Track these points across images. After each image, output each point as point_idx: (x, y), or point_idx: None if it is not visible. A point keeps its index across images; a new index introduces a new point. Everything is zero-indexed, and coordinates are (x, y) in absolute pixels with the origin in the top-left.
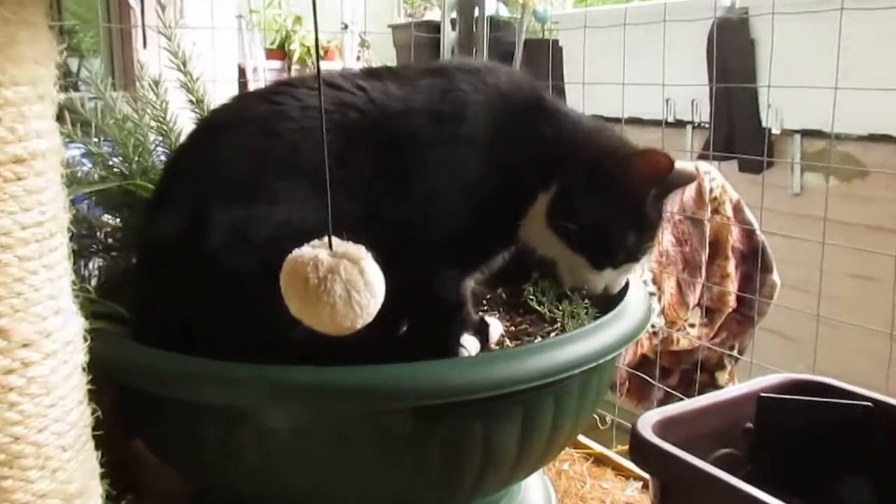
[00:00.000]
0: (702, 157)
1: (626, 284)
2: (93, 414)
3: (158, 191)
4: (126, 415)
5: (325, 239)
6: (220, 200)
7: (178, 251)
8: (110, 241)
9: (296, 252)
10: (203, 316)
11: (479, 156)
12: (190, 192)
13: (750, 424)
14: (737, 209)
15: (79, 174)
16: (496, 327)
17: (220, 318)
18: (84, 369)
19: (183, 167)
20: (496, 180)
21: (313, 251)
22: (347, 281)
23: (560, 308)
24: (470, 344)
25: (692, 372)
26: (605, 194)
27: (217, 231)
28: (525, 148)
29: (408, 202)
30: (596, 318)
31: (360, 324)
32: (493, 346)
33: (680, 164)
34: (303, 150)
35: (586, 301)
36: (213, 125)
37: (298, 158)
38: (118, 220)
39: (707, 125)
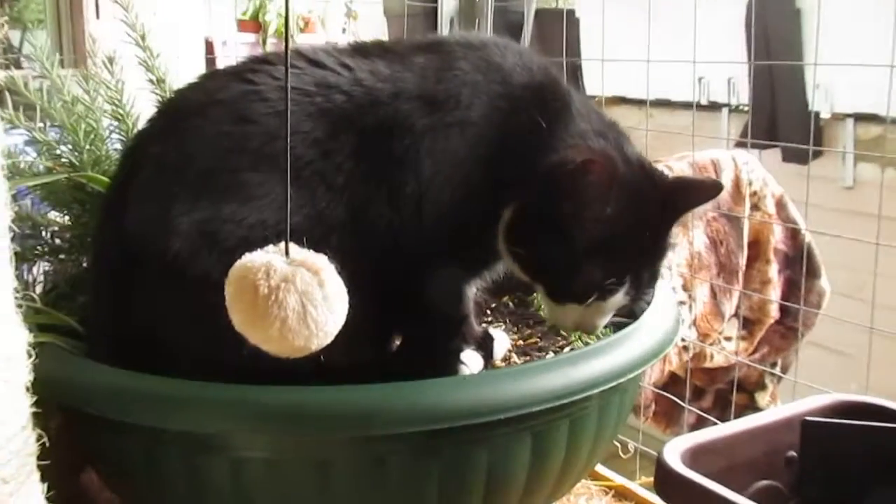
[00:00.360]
0: (740, 144)
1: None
2: (38, 441)
3: (113, 185)
4: (76, 443)
5: (282, 244)
6: (184, 197)
7: (137, 255)
8: (58, 241)
9: (246, 257)
10: (165, 330)
11: (472, 148)
12: (149, 187)
13: (793, 453)
14: (780, 205)
15: (22, 165)
16: (502, 341)
17: (184, 332)
18: (28, 390)
19: (142, 157)
20: (489, 178)
21: (266, 256)
22: (303, 293)
23: None
24: (471, 360)
25: (728, 392)
26: (554, 215)
27: (181, 233)
28: (515, 147)
29: (398, 199)
30: (617, 330)
31: (314, 345)
32: (498, 362)
33: (709, 155)
34: (280, 137)
35: None
36: (177, 109)
37: (275, 148)
38: (67, 217)
39: (746, 108)
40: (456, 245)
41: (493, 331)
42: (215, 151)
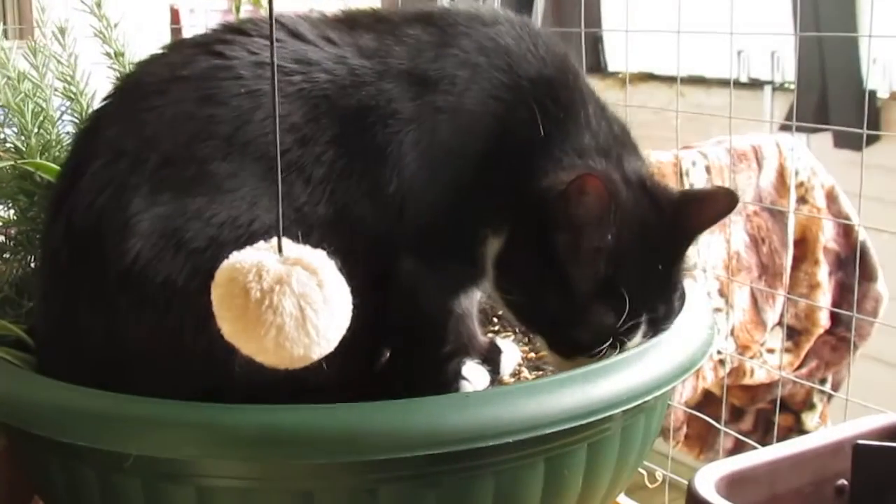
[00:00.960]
0: (784, 128)
1: (682, 297)
2: None
3: (64, 174)
4: (24, 468)
5: (274, 241)
6: (144, 190)
7: (90, 257)
8: (1, 238)
9: (234, 256)
10: (123, 343)
11: (465, 143)
12: (104, 178)
13: (844, 481)
14: (830, 197)
15: None
16: (511, 354)
17: (143, 346)
18: None
19: (96, 143)
20: (481, 183)
21: (257, 255)
22: (301, 296)
23: None
24: (476, 376)
25: (770, 413)
26: (549, 249)
27: (140, 232)
28: (511, 154)
29: (381, 195)
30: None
31: (315, 354)
32: (506, 377)
33: (749, 140)
34: (253, 121)
35: None
36: (136, 86)
37: (248, 134)
38: (12, 211)
39: (791, 86)
40: (441, 256)
41: (500, 341)
42: (178, 137)
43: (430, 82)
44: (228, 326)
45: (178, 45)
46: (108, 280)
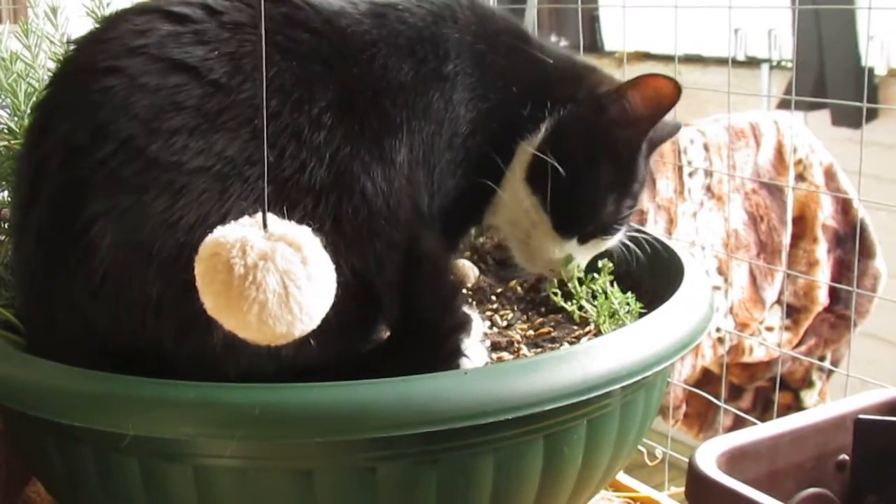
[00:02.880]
0: (783, 104)
1: (681, 272)
2: None
3: (25, 178)
4: (21, 450)
5: (258, 216)
6: (103, 187)
7: (61, 273)
8: None
9: (218, 231)
10: (104, 349)
11: (466, 100)
12: (60, 185)
13: (845, 456)
14: (829, 175)
15: None
16: (476, 323)
17: (126, 354)
18: None
19: (50, 143)
20: (481, 131)
21: (242, 230)
22: (285, 272)
23: (594, 305)
24: (475, 353)
25: (770, 391)
26: (597, 136)
27: (104, 248)
28: (509, 87)
29: (387, 163)
30: (641, 316)
31: (298, 330)
32: (505, 355)
33: (747, 117)
34: (230, 87)
35: (629, 295)
36: (82, 69)
37: (222, 103)
38: (5, 192)
39: (789, 64)
40: (450, 211)
41: (466, 309)
42: (139, 114)
43: (427, 54)
44: (211, 302)
45: (124, 15)
46: (82, 298)
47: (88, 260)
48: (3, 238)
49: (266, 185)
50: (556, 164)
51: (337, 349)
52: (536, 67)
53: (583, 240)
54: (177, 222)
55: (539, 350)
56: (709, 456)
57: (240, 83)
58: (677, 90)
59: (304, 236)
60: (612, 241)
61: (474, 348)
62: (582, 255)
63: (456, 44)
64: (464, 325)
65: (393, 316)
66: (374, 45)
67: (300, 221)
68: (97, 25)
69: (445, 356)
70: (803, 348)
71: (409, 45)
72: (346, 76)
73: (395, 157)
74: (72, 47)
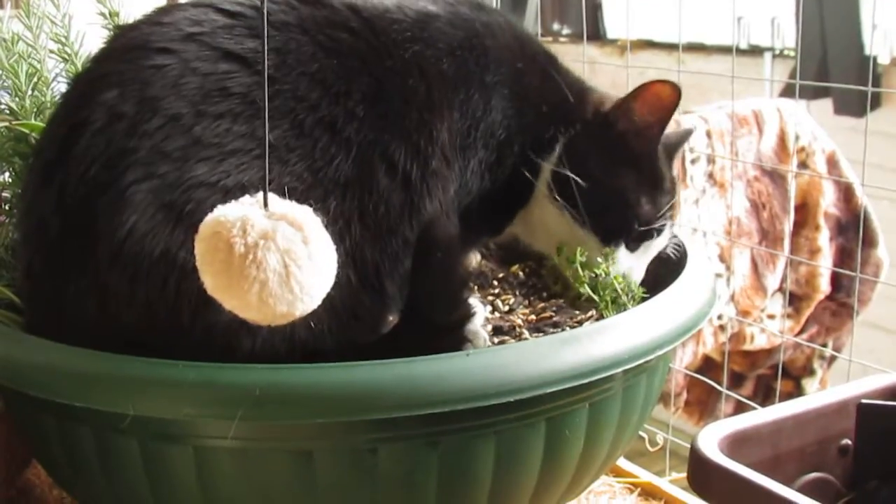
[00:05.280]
0: (786, 93)
1: (684, 258)
2: None
3: (51, 140)
4: (21, 431)
5: (259, 195)
6: (143, 156)
7: (82, 231)
8: None
9: (219, 210)
10: (115, 320)
11: (503, 108)
12: (98, 144)
13: (848, 441)
14: (831, 163)
15: None
16: (479, 308)
17: (138, 325)
18: None
19: (91, 107)
20: (517, 142)
21: (242, 209)
22: (286, 251)
23: (597, 290)
24: (476, 336)
25: (771, 379)
26: (611, 148)
27: (134, 204)
28: (541, 106)
29: (424, 157)
30: (643, 300)
31: (299, 310)
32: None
33: (750, 105)
34: (279, 80)
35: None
36: (138, 45)
37: (270, 94)
38: (7, 174)
39: (792, 53)
40: (479, 208)
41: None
42: (187, 96)
43: (468, 56)
44: (211, 281)
45: (177, 6)
46: (100, 256)
47: (114, 216)
48: (3, 219)
49: (267, 165)
50: (576, 178)
51: (347, 338)
52: (561, 91)
53: (631, 246)
54: (215, 184)
55: (541, 334)
56: (711, 439)
57: (284, 76)
58: (677, 92)
59: (306, 216)
60: (662, 242)
61: (478, 331)
62: (637, 265)
63: (496, 57)
64: (469, 318)
65: (407, 300)
66: (413, 41)
67: (331, 212)
68: (159, 10)
69: (448, 347)
70: (804, 336)
71: (450, 48)
72: (380, 69)
73: (423, 145)
74: (128, 27)
